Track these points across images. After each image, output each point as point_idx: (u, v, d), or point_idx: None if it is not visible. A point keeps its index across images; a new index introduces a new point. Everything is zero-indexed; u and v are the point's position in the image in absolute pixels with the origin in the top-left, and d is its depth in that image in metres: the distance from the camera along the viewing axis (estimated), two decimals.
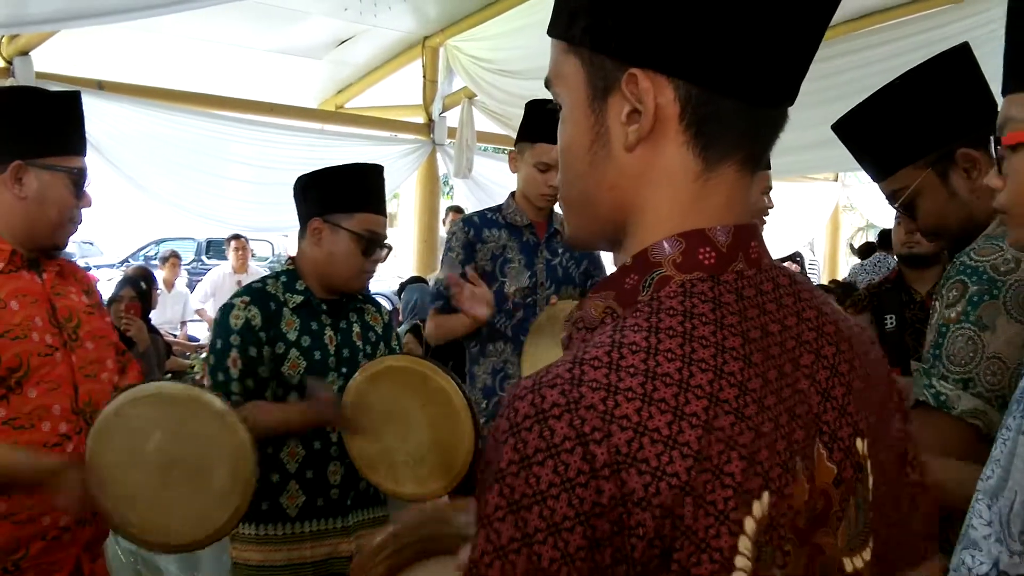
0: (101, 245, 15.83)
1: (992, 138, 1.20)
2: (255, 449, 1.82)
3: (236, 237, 7.49)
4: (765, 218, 2.40)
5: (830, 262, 10.86)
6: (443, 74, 6.56)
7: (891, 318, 2.89)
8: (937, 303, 1.44)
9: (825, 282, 8.27)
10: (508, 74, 6.14)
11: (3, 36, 4.56)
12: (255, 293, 2.19)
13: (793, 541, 0.66)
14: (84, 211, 1.96)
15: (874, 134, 1.66)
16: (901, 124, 1.60)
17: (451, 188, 8.81)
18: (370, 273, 2.26)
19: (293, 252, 2.36)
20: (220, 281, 7.50)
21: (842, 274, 9.89)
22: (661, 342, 0.63)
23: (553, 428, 0.60)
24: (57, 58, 4.93)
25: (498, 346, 2.71)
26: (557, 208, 2.49)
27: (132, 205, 6.01)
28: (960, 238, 1.56)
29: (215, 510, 1.80)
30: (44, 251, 1.93)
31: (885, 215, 8.14)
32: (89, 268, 2.48)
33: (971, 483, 1.16)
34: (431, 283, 2.99)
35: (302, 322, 2.19)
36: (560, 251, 2.81)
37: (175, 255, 7.90)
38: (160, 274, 7.18)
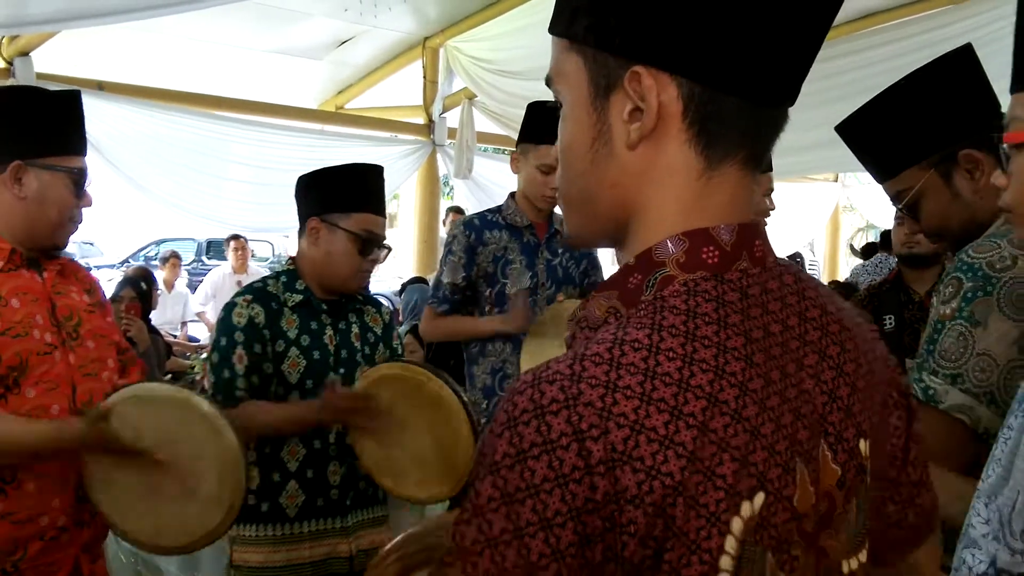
0: (101, 245, 15.85)
1: (997, 136, 1.20)
2: (244, 451, 1.81)
3: (235, 237, 7.49)
4: (767, 220, 2.40)
5: (830, 263, 10.85)
6: (443, 75, 6.56)
7: (890, 319, 2.89)
8: (935, 299, 1.45)
9: (825, 282, 8.27)
10: (508, 75, 6.13)
11: (3, 37, 4.57)
12: (257, 292, 2.20)
13: (801, 545, 0.66)
14: (84, 211, 1.96)
15: (877, 135, 1.67)
16: (904, 125, 1.61)
17: (451, 189, 8.81)
18: (368, 273, 2.26)
19: (293, 252, 2.36)
20: (220, 282, 7.51)
21: (842, 274, 9.88)
22: (663, 340, 0.63)
23: (550, 424, 0.60)
24: (57, 59, 4.93)
25: (498, 346, 2.71)
26: (557, 209, 2.50)
27: (132, 205, 6.02)
28: (962, 239, 1.56)
29: (207, 513, 1.79)
30: (44, 251, 1.93)
31: (885, 216, 8.14)
32: (89, 268, 2.50)
33: (967, 497, 1.16)
34: (431, 284, 2.99)
35: (302, 321, 2.20)
36: (560, 251, 2.82)
37: (175, 255, 7.91)
38: (160, 275, 7.18)
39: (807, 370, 0.70)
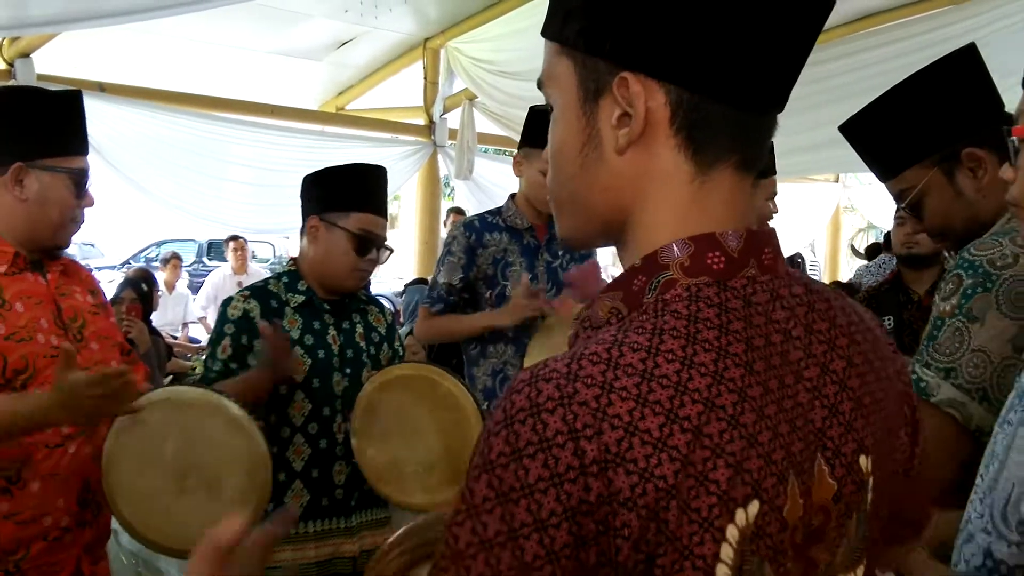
0: (102, 247, 15.84)
1: (1006, 129, 1.21)
2: (271, 454, 1.83)
3: (234, 238, 7.50)
4: (769, 222, 2.41)
5: (831, 263, 10.85)
6: (444, 76, 6.56)
7: (889, 319, 2.90)
8: (936, 297, 1.45)
9: (826, 283, 8.26)
10: (509, 75, 6.13)
11: (4, 38, 4.57)
12: (256, 290, 2.23)
13: (790, 555, 0.65)
14: (86, 211, 1.96)
15: (880, 134, 1.67)
16: (907, 124, 1.61)
17: (452, 190, 8.81)
18: (365, 272, 2.26)
19: (294, 253, 2.36)
20: (221, 283, 7.52)
21: (843, 275, 9.88)
22: (663, 343, 0.63)
23: (546, 422, 0.60)
24: (58, 60, 4.93)
25: (499, 347, 2.71)
26: None
27: (133, 207, 6.01)
28: (965, 238, 1.56)
29: (231, 513, 1.80)
30: (46, 251, 1.93)
31: (886, 216, 8.13)
32: (90, 270, 2.49)
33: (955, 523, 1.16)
34: (429, 284, 2.99)
35: (305, 321, 2.21)
36: (560, 253, 2.82)
37: (176, 257, 7.91)
38: (161, 276, 7.19)
39: (804, 383, 0.69)
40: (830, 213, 10.45)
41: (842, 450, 0.70)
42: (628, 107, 0.69)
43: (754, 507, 0.62)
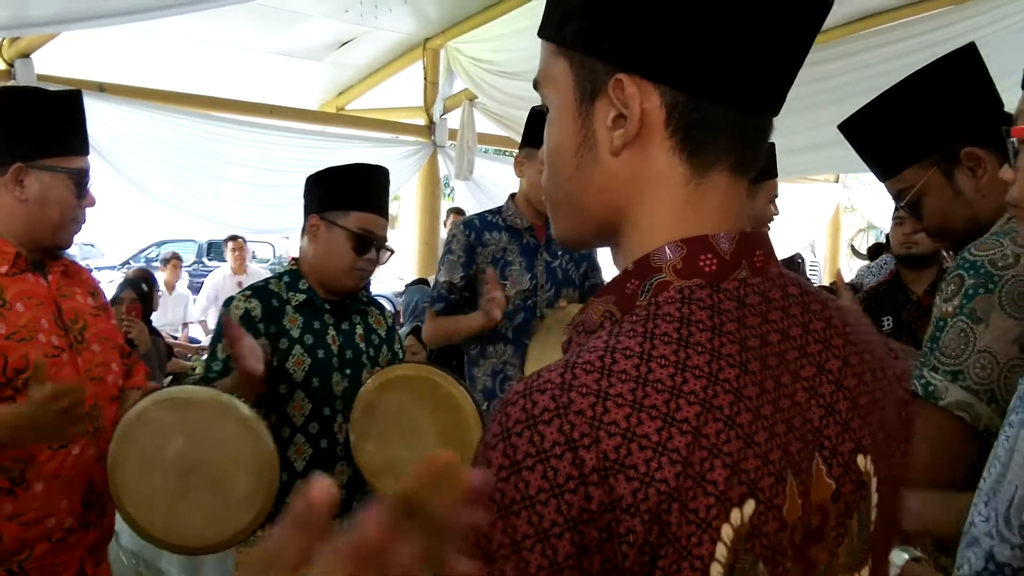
0: (102, 247, 15.85)
1: (1005, 130, 1.21)
2: (279, 454, 1.84)
3: (233, 238, 7.49)
4: (770, 224, 2.41)
5: (831, 263, 10.84)
6: (444, 76, 6.56)
7: (888, 320, 2.90)
8: (938, 298, 1.45)
9: (827, 283, 8.27)
10: (509, 76, 6.13)
11: (4, 38, 4.57)
12: (257, 290, 2.23)
13: (789, 555, 0.65)
14: (86, 211, 1.96)
15: (880, 134, 1.67)
16: (907, 124, 1.61)
17: (452, 190, 8.81)
18: (364, 272, 2.26)
19: (294, 253, 2.37)
20: (220, 283, 7.51)
21: (843, 275, 9.86)
22: (655, 348, 0.63)
23: (543, 433, 0.60)
24: (58, 60, 4.93)
25: (498, 348, 2.71)
26: None
27: (133, 207, 6.01)
28: (964, 238, 1.56)
29: (238, 513, 1.81)
30: (47, 252, 1.93)
31: (886, 216, 8.13)
32: (90, 270, 2.49)
33: (954, 512, 1.16)
34: (431, 285, 2.99)
35: (305, 320, 2.21)
36: (559, 253, 2.82)
37: (176, 257, 7.91)
38: (161, 276, 7.19)
39: (802, 382, 0.69)
40: (830, 213, 10.45)
41: (839, 449, 0.70)
42: (624, 108, 0.69)
43: (750, 506, 0.62)
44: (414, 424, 2.07)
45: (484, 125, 6.73)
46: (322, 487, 0.46)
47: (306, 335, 2.20)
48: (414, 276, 6.66)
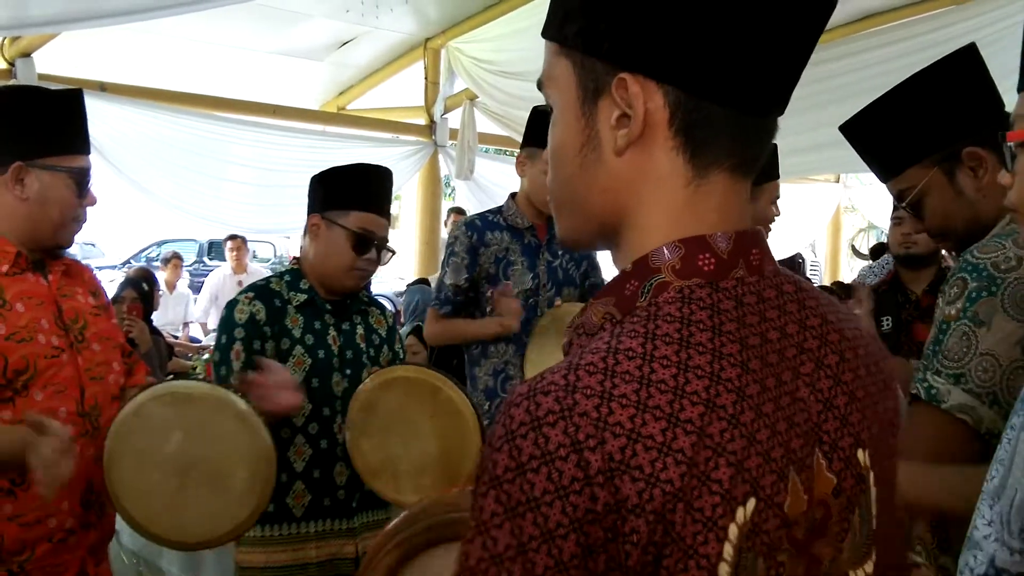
0: (103, 246, 15.86)
1: (1001, 134, 1.20)
2: (276, 449, 1.84)
3: (232, 238, 7.49)
4: (771, 225, 2.41)
5: (831, 263, 10.84)
6: (445, 76, 6.56)
7: (887, 319, 2.90)
8: (940, 300, 1.45)
9: (827, 283, 8.27)
10: (509, 75, 6.13)
11: (5, 38, 4.57)
12: (259, 290, 2.22)
13: (790, 551, 0.66)
14: (87, 211, 1.96)
15: (881, 134, 1.67)
16: (908, 124, 1.61)
17: (453, 190, 8.81)
18: (364, 272, 2.26)
19: (295, 253, 2.37)
20: (220, 283, 7.51)
21: (843, 275, 9.87)
22: (657, 348, 0.63)
23: (548, 436, 0.60)
24: (59, 60, 4.93)
25: (500, 347, 2.72)
26: None
27: (134, 207, 6.02)
28: (966, 238, 1.56)
29: (235, 507, 1.81)
30: (48, 251, 1.93)
31: (887, 216, 8.13)
32: (91, 270, 2.50)
33: (960, 488, 1.16)
34: (434, 286, 2.99)
35: (306, 320, 2.21)
36: (560, 252, 2.82)
37: (177, 256, 7.91)
38: (162, 275, 7.19)
39: (803, 378, 0.70)
40: (831, 213, 10.44)
41: (839, 444, 0.71)
42: (627, 108, 0.69)
43: (751, 505, 0.62)
44: (413, 425, 2.07)
45: (485, 125, 6.73)
46: None
47: (307, 335, 2.20)
48: (415, 276, 6.66)
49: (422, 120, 6.78)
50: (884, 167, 1.71)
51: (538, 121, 2.72)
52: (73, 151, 1.90)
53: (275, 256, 15.45)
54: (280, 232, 9.91)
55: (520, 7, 5.77)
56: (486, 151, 7.42)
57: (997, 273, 1.38)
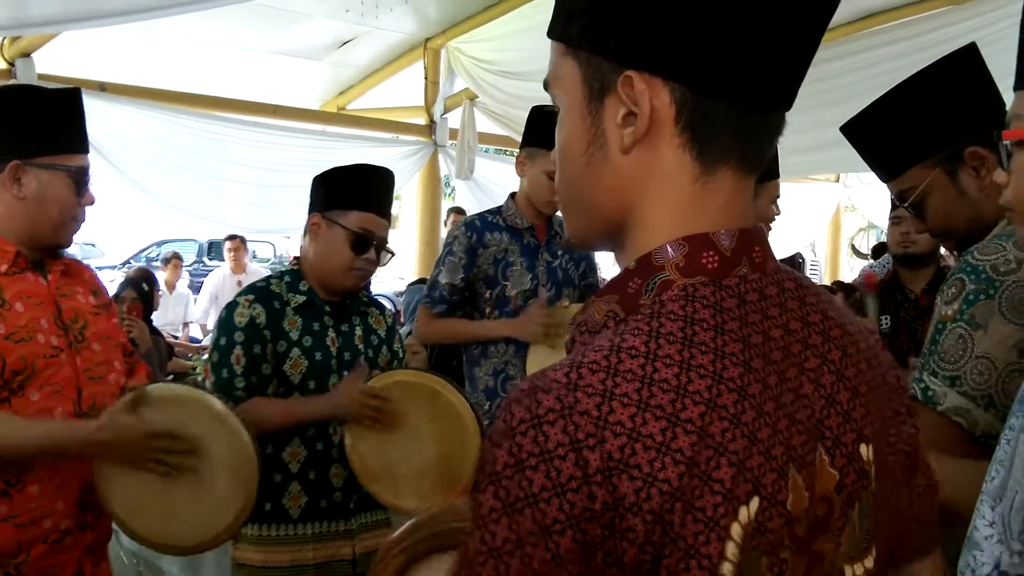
0: (103, 246, 15.86)
1: (997, 133, 1.20)
2: (258, 450, 1.82)
3: (231, 238, 7.49)
4: (771, 225, 2.41)
5: (831, 263, 10.84)
6: (444, 75, 6.55)
7: (886, 319, 2.90)
8: (939, 300, 1.45)
9: (827, 283, 8.26)
10: (510, 75, 6.13)
11: (4, 38, 4.57)
12: (259, 292, 2.21)
13: (791, 548, 0.66)
14: (87, 210, 1.95)
15: (882, 134, 1.67)
16: (909, 124, 1.61)
17: (453, 189, 8.81)
18: (363, 272, 2.26)
19: (295, 253, 2.37)
20: (220, 283, 7.51)
21: (843, 274, 9.86)
22: (660, 347, 0.63)
23: (547, 434, 0.60)
24: (59, 60, 4.93)
25: (500, 347, 2.71)
26: (558, 212, 2.50)
27: (134, 207, 6.01)
28: (968, 238, 1.56)
29: (219, 512, 1.81)
30: (48, 250, 1.93)
31: (887, 216, 8.12)
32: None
33: (964, 484, 1.16)
34: (427, 284, 2.99)
35: (304, 322, 2.20)
36: (560, 253, 2.82)
37: (177, 256, 7.92)
38: (162, 275, 7.19)
39: (808, 374, 0.70)
40: (831, 213, 10.43)
41: (842, 439, 0.71)
42: (633, 106, 0.69)
43: (755, 504, 0.62)
44: (412, 430, 2.07)
45: (485, 125, 6.73)
46: None
47: (305, 337, 2.19)
48: (415, 276, 6.65)
49: (422, 120, 6.77)
50: (886, 168, 1.70)
51: (538, 121, 2.72)
52: (71, 150, 1.90)
53: (275, 256, 15.45)
54: (280, 232, 9.91)
55: (520, 7, 5.77)
56: (486, 151, 7.42)
57: (996, 276, 1.37)
